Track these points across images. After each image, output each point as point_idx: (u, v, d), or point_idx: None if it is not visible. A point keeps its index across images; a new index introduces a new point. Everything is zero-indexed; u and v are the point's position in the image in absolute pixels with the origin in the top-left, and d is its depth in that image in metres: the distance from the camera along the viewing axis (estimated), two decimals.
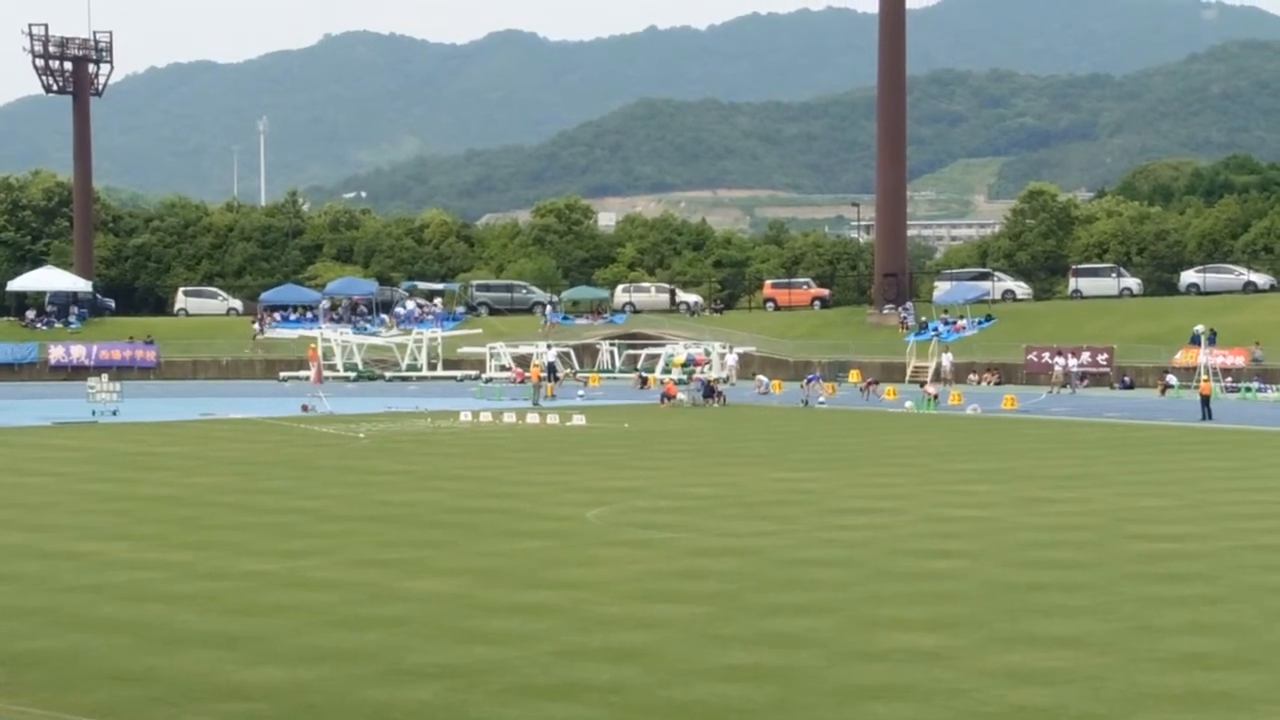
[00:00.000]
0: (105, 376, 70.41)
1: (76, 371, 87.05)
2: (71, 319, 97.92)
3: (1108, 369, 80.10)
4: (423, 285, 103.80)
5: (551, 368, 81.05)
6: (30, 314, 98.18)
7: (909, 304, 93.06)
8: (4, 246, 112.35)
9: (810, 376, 74.81)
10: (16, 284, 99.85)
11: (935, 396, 69.44)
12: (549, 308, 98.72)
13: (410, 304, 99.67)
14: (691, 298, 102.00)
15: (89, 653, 21.65)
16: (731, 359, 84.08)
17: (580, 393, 76.66)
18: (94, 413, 63.90)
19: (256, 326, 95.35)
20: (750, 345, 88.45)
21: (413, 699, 19.18)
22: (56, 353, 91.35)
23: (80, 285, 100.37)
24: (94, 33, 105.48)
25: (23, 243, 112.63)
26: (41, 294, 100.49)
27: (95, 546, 30.53)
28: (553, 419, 60.79)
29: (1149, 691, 19.37)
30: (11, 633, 22.86)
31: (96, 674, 20.49)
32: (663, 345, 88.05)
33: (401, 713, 18.68)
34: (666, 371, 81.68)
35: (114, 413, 64.18)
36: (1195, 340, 76.60)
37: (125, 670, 20.64)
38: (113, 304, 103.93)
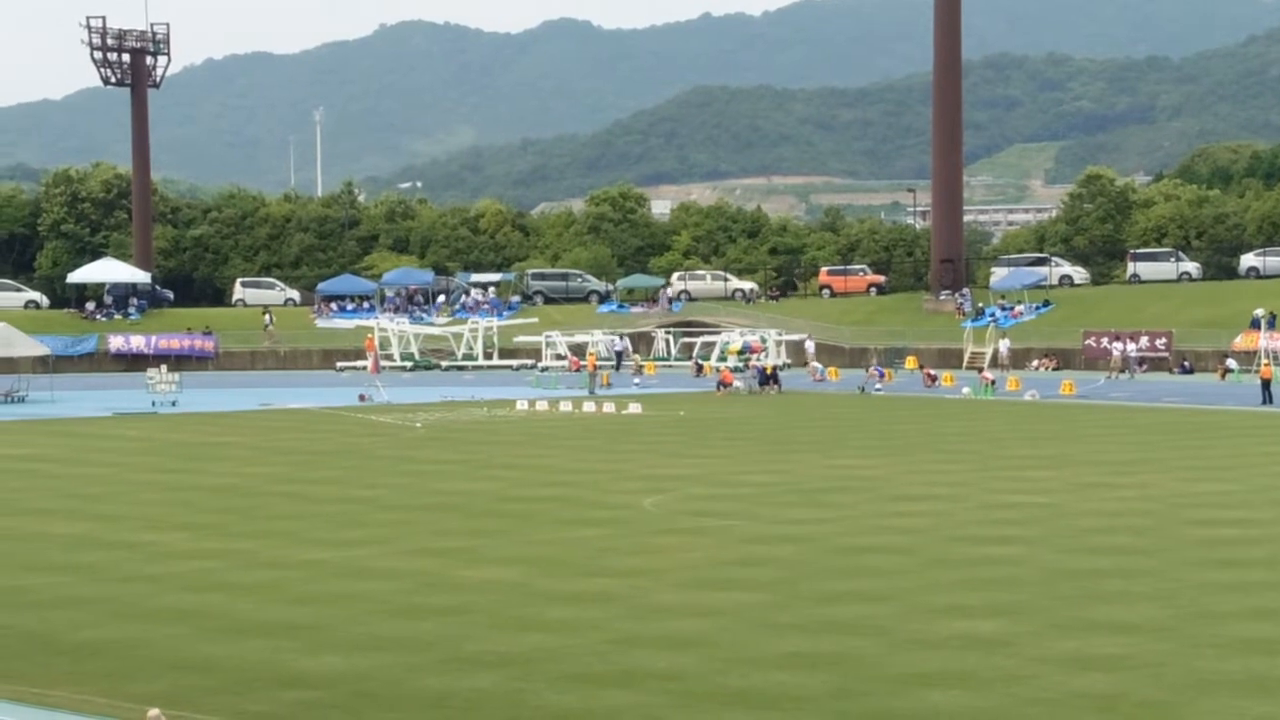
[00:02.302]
0: (164, 367, 70.89)
1: (136, 361, 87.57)
2: (131, 310, 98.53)
3: (1167, 354, 79.53)
4: (476, 277, 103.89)
5: (619, 355, 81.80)
6: (90, 305, 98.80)
7: (966, 290, 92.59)
8: (64, 239, 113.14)
9: (876, 369, 74.35)
10: (76, 276, 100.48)
11: (993, 382, 69.12)
12: (666, 291, 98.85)
13: (475, 292, 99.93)
14: (747, 285, 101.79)
15: (150, 642, 21.80)
16: (810, 346, 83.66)
17: (636, 381, 76.68)
18: (153, 403, 64.37)
19: (267, 318, 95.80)
20: (806, 332, 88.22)
21: (470, 687, 19.24)
22: (116, 341, 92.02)
23: (139, 277, 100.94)
24: (151, 25, 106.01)
25: (82, 235, 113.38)
26: (101, 286, 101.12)
27: (155, 536, 30.75)
28: (609, 407, 60.82)
29: (1210, 677, 19.25)
30: (74, 622, 23.05)
31: (157, 663, 20.64)
32: (718, 333, 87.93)
33: (460, 701, 18.74)
34: (722, 359, 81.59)
35: (173, 403, 64.65)
36: (1255, 324, 75.98)
37: (186, 659, 20.79)
38: (171, 295, 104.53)
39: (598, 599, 24.14)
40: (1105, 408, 61.08)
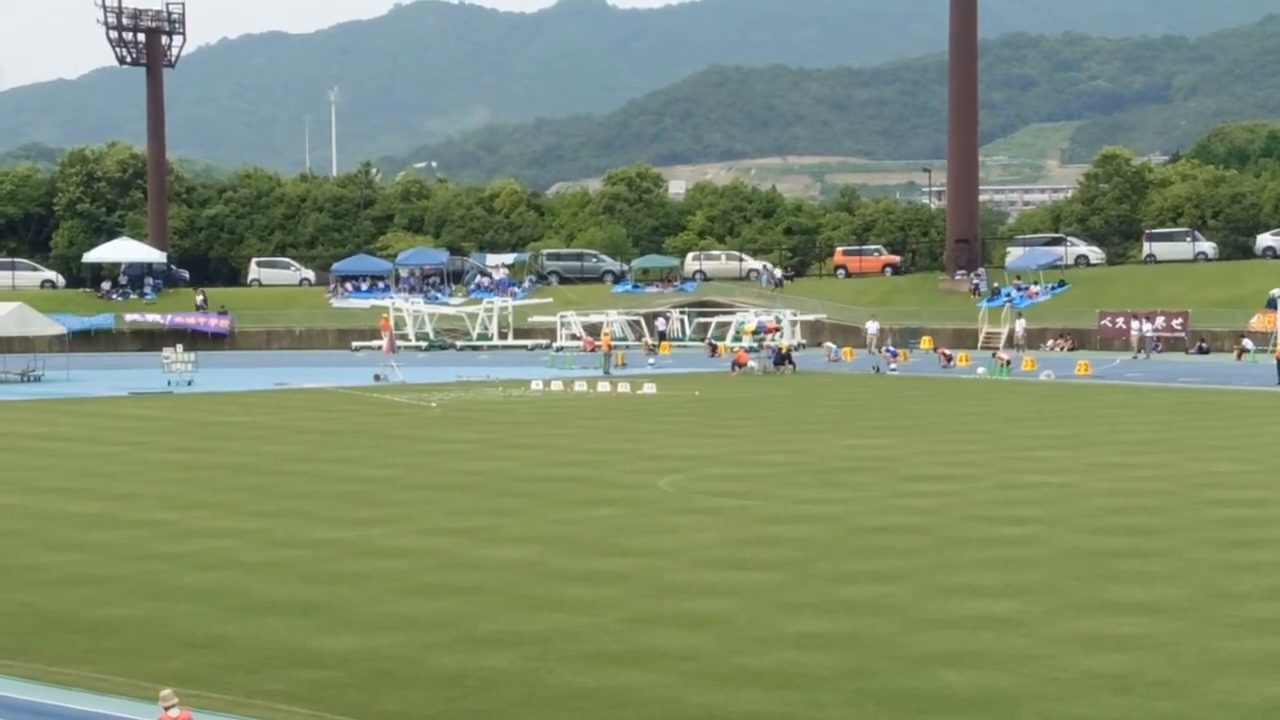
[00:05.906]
0: (180, 346, 70.98)
1: (153, 339, 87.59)
2: (146, 290, 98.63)
3: (1183, 334, 79.39)
4: (491, 258, 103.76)
5: (662, 335, 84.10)
6: (105, 285, 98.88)
7: (981, 270, 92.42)
8: (80, 218, 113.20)
9: (889, 349, 74.14)
10: (92, 255, 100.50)
11: (1008, 362, 69.04)
12: (764, 270, 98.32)
13: (498, 274, 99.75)
14: (760, 265, 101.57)
15: (166, 620, 21.87)
16: (873, 327, 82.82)
17: (651, 361, 76.67)
18: (169, 383, 64.44)
19: (200, 298, 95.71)
20: (821, 313, 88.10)
21: (486, 666, 19.28)
22: (133, 316, 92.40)
23: (155, 256, 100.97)
24: (167, 4, 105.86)
25: (98, 214, 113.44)
26: (117, 265, 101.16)
27: (171, 515, 30.81)
28: (623, 387, 60.82)
29: (1225, 657, 19.25)
30: (90, 600, 23.12)
31: (174, 641, 20.71)
32: (733, 313, 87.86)
33: (475, 680, 18.78)
34: (737, 339, 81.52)
35: (189, 383, 64.72)
36: (1271, 304, 75.77)
37: (202, 638, 20.85)
38: (187, 275, 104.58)
39: (613, 578, 24.17)
40: (1121, 388, 61.00)
